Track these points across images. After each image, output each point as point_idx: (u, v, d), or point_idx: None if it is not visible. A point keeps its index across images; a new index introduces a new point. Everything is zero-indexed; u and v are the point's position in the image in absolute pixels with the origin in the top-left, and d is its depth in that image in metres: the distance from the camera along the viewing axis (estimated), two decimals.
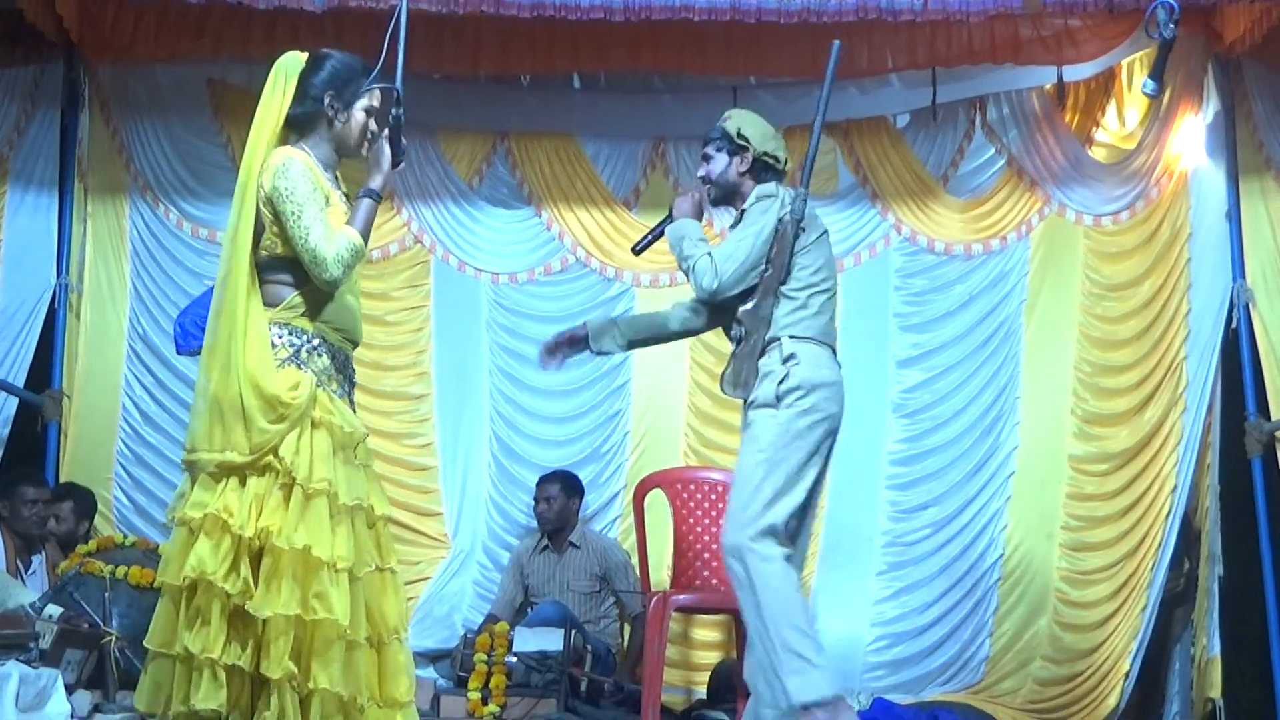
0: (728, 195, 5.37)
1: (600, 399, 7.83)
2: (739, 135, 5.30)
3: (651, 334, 5.67)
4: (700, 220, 5.37)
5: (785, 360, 5.01)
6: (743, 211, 5.28)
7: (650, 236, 5.54)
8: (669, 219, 5.39)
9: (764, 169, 5.31)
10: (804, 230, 5.16)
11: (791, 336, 5.06)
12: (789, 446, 4.95)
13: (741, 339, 5.12)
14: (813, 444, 4.98)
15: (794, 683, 4.79)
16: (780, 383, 4.98)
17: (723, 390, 5.17)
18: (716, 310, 5.30)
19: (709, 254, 5.13)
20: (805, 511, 5.06)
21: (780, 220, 5.12)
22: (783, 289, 5.11)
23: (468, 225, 7.91)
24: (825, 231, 5.31)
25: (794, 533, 5.00)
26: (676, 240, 5.29)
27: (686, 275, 5.21)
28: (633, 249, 5.69)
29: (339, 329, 4.27)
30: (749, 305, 5.11)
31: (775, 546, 4.88)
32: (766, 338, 5.09)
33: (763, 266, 5.10)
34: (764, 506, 4.89)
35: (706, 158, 5.38)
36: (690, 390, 7.78)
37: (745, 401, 5.11)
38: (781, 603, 4.87)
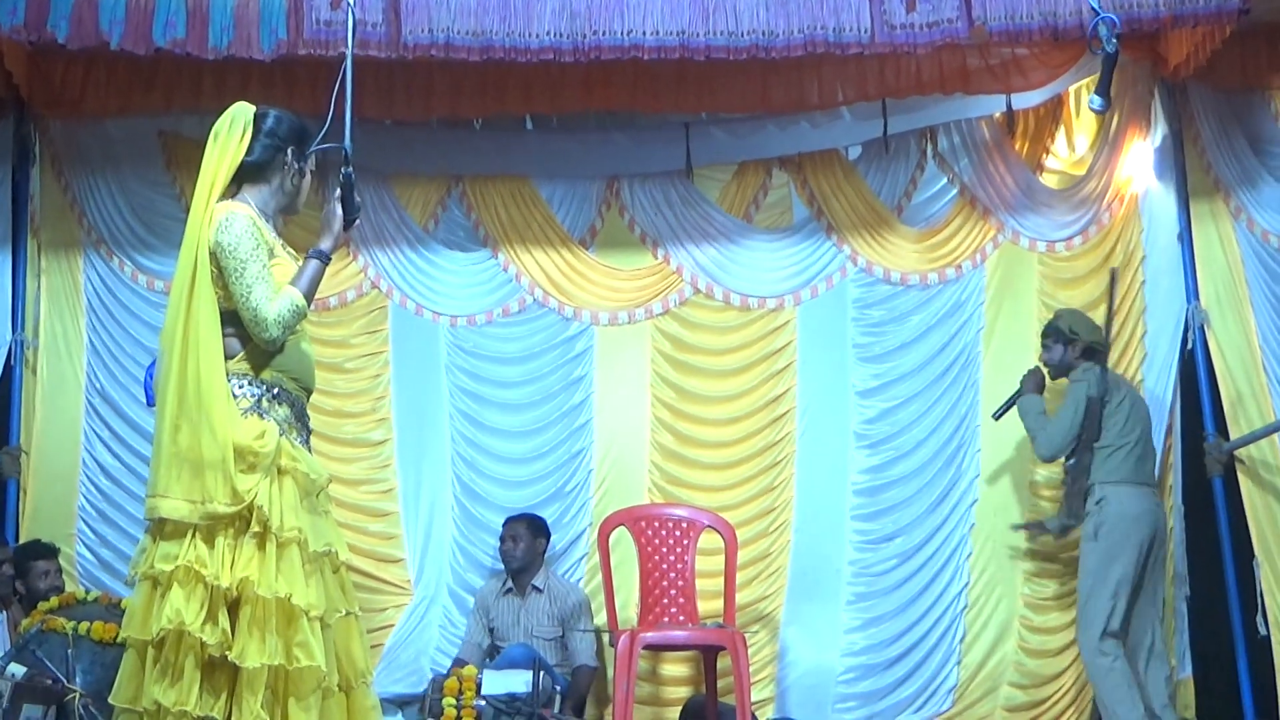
0: (1063, 373, 7.10)
1: (563, 438, 7.81)
2: (1070, 331, 7.03)
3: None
4: (1042, 395, 7.16)
5: (1097, 503, 6.82)
6: (1072, 384, 7.02)
7: (1007, 404, 7.23)
8: (1020, 391, 7.17)
9: (1088, 351, 7.04)
10: (1108, 400, 6.92)
11: (1102, 482, 6.84)
12: (1108, 569, 6.72)
13: (1071, 482, 6.96)
14: (1127, 563, 6.73)
15: None
16: (1095, 521, 6.81)
17: (1064, 520, 7.02)
18: None
19: (1044, 428, 6.97)
20: (1134, 601, 6.81)
21: (1089, 399, 6.87)
22: (1096, 445, 6.87)
23: (424, 269, 7.90)
24: (1130, 391, 7.10)
25: (1126, 619, 6.77)
26: (1025, 412, 7.10)
27: (1032, 438, 7.07)
28: (994, 415, 7.36)
29: (295, 377, 4.28)
30: (1071, 461, 6.97)
31: (1113, 646, 6.67)
32: (1087, 484, 6.88)
33: (1078, 432, 6.90)
34: (1103, 616, 6.69)
35: (1046, 347, 7.13)
36: (653, 427, 7.78)
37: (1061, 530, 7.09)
38: (1115, 689, 6.64)
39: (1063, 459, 7.04)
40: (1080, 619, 6.78)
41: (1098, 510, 6.80)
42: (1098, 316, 7.47)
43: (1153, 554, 6.82)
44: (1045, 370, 7.16)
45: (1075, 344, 7.01)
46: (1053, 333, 7.10)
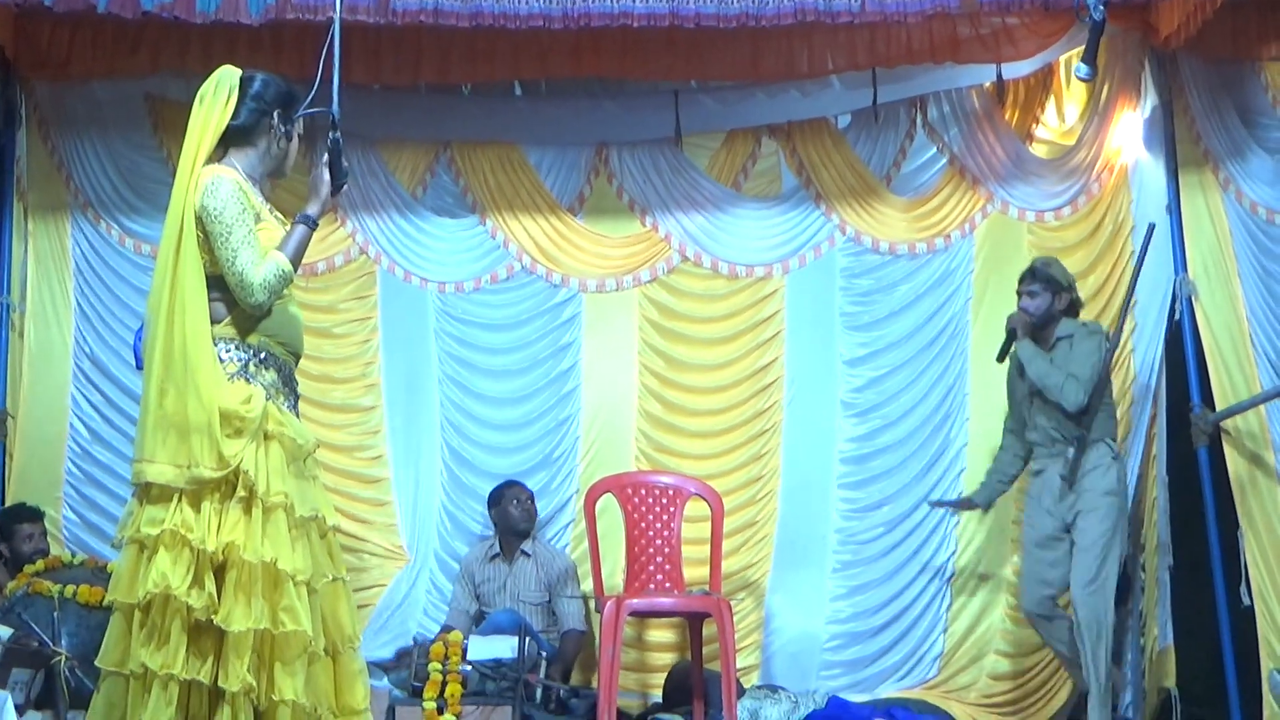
0: (1043, 324, 6.85)
1: (550, 405, 7.82)
2: (1066, 282, 6.87)
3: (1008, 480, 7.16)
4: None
5: (1115, 458, 6.77)
6: (1059, 339, 6.81)
7: (1006, 346, 6.94)
8: (1014, 333, 6.88)
9: (1073, 306, 6.90)
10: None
11: (1110, 438, 6.80)
12: (1122, 525, 6.74)
13: (1077, 441, 6.69)
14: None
15: None
16: (1115, 475, 6.72)
17: (1062, 476, 6.72)
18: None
19: (1073, 376, 6.67)
20: None
21: (1107, 352, 6.75)
22: (1103, 402, 6.76)
23: (413, 235, 7.89)
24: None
25: None
26: (1030, 358, 6.80)
27: (1047, 388, 6.72)
28: (998, 359, 7.03)
29: (282, 342, 4.29)
30: (1085, 415, 6.70)
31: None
32: (1092, 439, 6.70)
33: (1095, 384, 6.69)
34: (1112, 573, 6.63)
35: (1032, 294, 6.83)
36: (640, 395, 7.78)
37: (1071, 485, 6.72)
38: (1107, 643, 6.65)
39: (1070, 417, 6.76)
40: (1096, 576, 6.59)
41: (1115, 464, 6.75)
42: (1085, 289, 7.50)
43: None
44: (1027, 319, 6.86)
45: (1063, 295, 6.86)
46: (1044, 280, 6.87)
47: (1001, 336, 7.32)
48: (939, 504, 7.38)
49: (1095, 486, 6.67)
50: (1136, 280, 7.10)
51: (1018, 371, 6.93)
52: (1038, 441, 6.87)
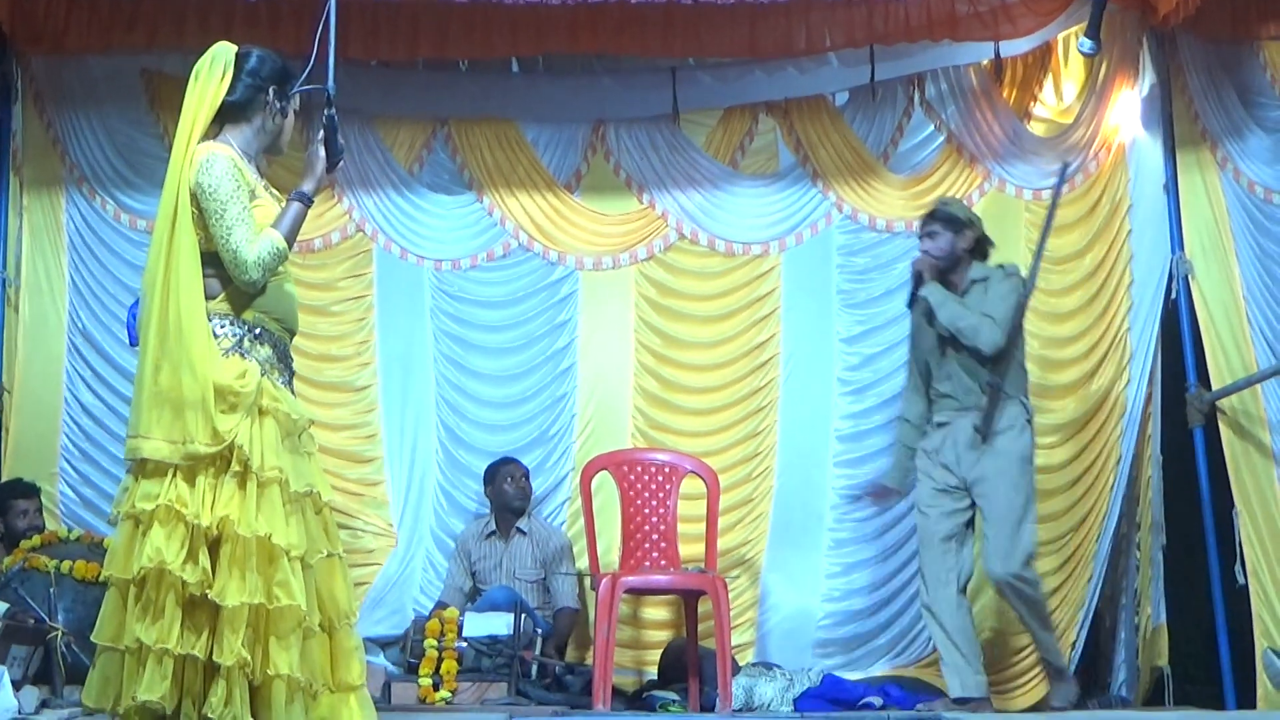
0: (950, 267, 6.53)
1: (546, 383, 7.82)
2: (967, 219, 6.55)
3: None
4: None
5: (1029, 421, 6.48)
6: (974, 281, 6.50)
7: (914, 293, 6.61)
8: (920, 278, 6.55)
9: (980, 246, 6.57)
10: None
11: (1025, 396, 6.52)
12: (1034, 498, 6.52)
13: (991, 388, 6.38)
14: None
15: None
16: (1028, 438, 6.46)
17: (975, 427, 6.40)
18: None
19: (989, 317, 6.35)
20: None
21: (1023, 296, 6.45)
22: (1018, 355, 6.47)
23: (409, 212, 7.88)
24: None
25: None
26: (941, 302, 6.45)
27: (960, 331, 6.39)
28: (908, 305, 6.73)
29: (277, 318, 4.28)
30: (1001, 364, 6.40)
31: (1033, 570, 6.49)
32: (1008, 393, 6.39)
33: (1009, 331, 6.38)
34: (1029, 539, 6.42)
35: (932, 235, 6.53)
36: (636, 372, 7.78)
37: (984, 437, 6.39)
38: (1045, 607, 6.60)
39: (980, 366, 6.45)
40: (1009, 540, 6.34)
41: (1029, 427, 6.50)
42: (1083, 267, 7.51)
43: None
44: (933, 260, 6.57)
45: (965, 233, 6.53)
46: (944, 218, 6.56)
47: None
48: (858, 498, 7.28)
49: (1008, 450, 6.39)
50: (1052, 215, 6.91)
51: (925, 319, 6.61)
52: (948, 393, 6.57)
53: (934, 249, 6.54)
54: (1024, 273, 6.67)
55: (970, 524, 6.53)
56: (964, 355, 6.45)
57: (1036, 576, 6.51)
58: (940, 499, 6.50)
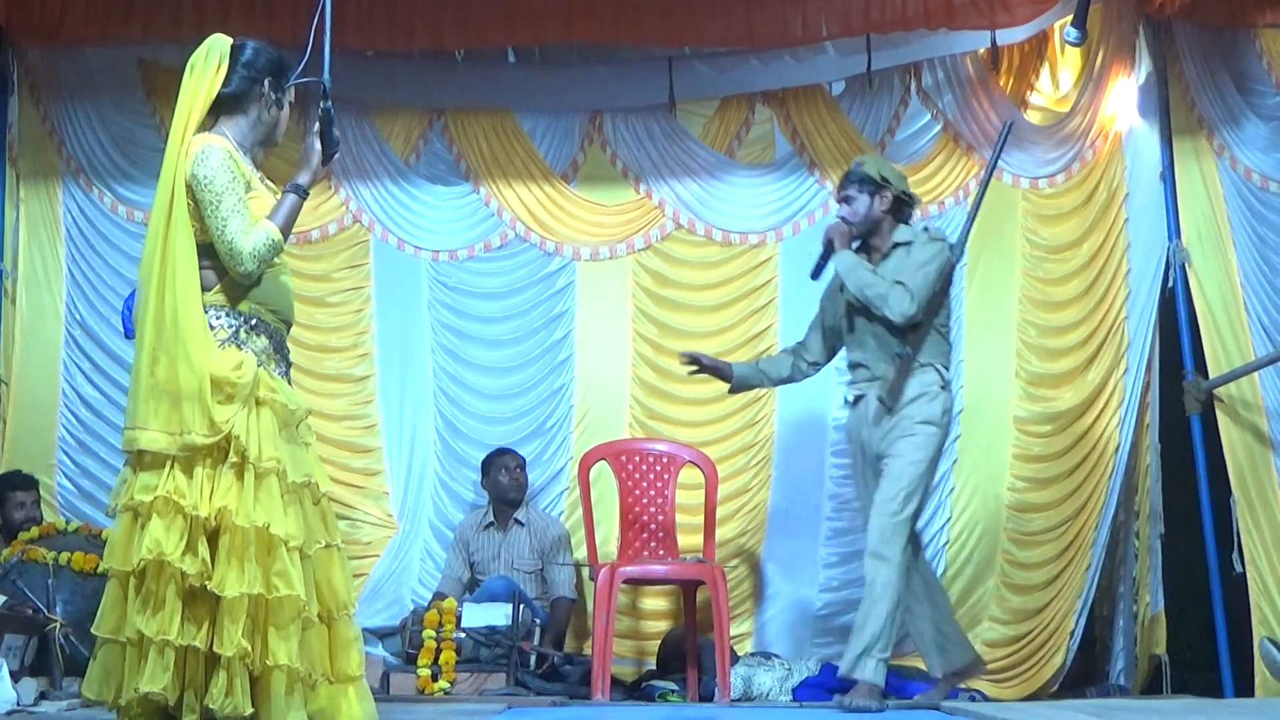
0: (870, 231, 6.15)
1: (544, 374, 7.81)
2: (881, 178, 6.08)
3: (771, 382, 6.69)
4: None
5: (944, 387, 6.00)
6: (896, 245, 6.08)
7: (822, 262, 6.26)
8: (830, 246, 6.17)
9: (902, 205, 6.14)
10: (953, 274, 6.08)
11: (945, 365, 6.05)
12: (937, 463, 6.07)
13: (898, 359, 5.97)
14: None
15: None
16: (941, 404, 5.96)
17: (880, 399, 5.98)
18: (829, 356, 6.48)
19: (900, 284, 5.92)
20: None
21: (948, 262, 6.02)
22: (936, 323, 6.01)
23: (406, 203, 7.88)
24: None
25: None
26: (850, 269, 6.07)
27: (869, 300, 5.99)
28: (812, 276, 6.39)
29: (273, 310, 4.30)
30: (913, 333, 5.97)
31: (905, 542, 5.86)
32: (921, 362, 5.96)
33: (930, 296, 5.95)
34: (914, 512, 5.89)
35: (848, 199, 6.13)
36: (634, 363, 7.78)
37: (890, 409, 5.96)
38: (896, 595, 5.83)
39: (891, 335, 6.04)
40: (891, 510, 5.82)
41: (943, 394, 5.98)
42: (1080, 256, 7.51)
43: None
44: (848, 226, 6.16)
45: (884, 193, 6.08)
46: (858, 179, 6.11)
47: (995, 303, 7.36)
48: (690, 354, 6.60)
49: (914, 414, 5.92)
50: (989, 178, 6.54)
51: (838, 287, 6.28)
52: (860, 363, 6.17)
53: (850, 213, 6.14)
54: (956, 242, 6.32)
55: None
56: (876, 325, 6.06)
57: (897, 557, 5.79)
58: (867, 487, 6.12)
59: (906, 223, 6.20)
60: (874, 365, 6.08)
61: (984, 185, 6.52)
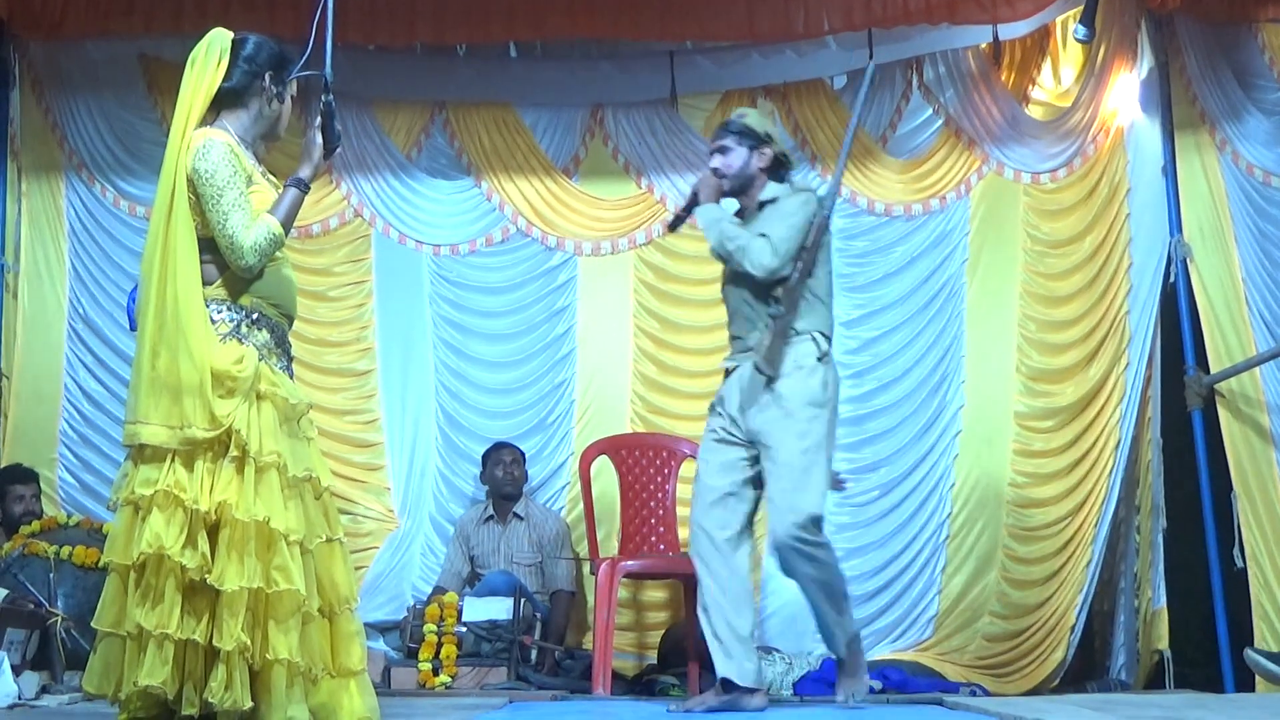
0: (742, 188, 5.59)
1: (545, 369, 7.82)
2: (765, 134, 5.57)
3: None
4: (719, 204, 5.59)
5: (820, 358, 5.39)
6: (764, 203, 5.55)
7: (683, 214, 5.78)
8: (695, 199, 5.66)
9: (779, 165, 5.60)
10: (825, 240, 5.51)
11: (823, 334, 5.44)
12: (830, 441, 5.40)
13: (772, 320, 5.41)
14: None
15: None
16: (821, 378, 5.37)
17: (756, 367, 5.36)
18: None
19: (763, 235, 5.38)
20: None
21: (818, 217, 5.46)
22: (810, 286, 5.44)
23: (407, 197, 7.89)
24: (829, 242, 5.63)
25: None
26: (713, 221, 5.53)
27: (730, 254, 5.45)
28: (669, 227, 5.96)
29: (275, 304, 4.29)
30: (787, 296, 5.40)
31: (822, 534, 5.35)
32: (797, 330, 5.39)
33: (797, 253, 5.40)
34: (816, 495, 5.30)
35: (724, 150, 5.59)
36: (635, 357, 7.78)
37: (769, 380, 5.37)
38: (839, 573, 5.46)
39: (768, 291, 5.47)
40: (792, 494, 5.28)
41: (821, 368, 5.39)
42: (1082, 250, 7.51)
43: None
44: (721, 180, 5.62)
45: (764, 149, 5.57)
46: (738, 130, 5.59)
47: (996, 297, 7.34)
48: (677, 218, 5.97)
49: (794, 393, 5.33)
50: (855, 125, 6.14)
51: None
52: (735, 334, 5.62)
53: (724, 165, 5.59)
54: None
55: (753, 482, 5.49)
56: (744, 288, 5.52)
57: (827, 541, 5.39)
58: (718, 450, 5.52)
59: (780, 183, 5.65)
60: (748, 335, 5.51)
61: (849, 136, 5.96)
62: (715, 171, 5.60)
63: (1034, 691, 7.12)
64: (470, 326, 7.84)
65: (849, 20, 7.50)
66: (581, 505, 7.26)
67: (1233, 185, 7.39)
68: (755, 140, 5.56)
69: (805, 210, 5.46)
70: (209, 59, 4.24)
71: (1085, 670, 7.39)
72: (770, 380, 5.36)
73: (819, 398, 5.36)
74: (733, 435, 5.50)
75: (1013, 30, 7.61)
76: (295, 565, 4.04)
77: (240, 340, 4.16)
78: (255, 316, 4.22)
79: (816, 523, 5.30)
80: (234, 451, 4.06)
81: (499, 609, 6.76)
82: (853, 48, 7.77)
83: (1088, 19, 6.72)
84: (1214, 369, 7.19)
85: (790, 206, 5.47)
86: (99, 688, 4.12)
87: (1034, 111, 7.76)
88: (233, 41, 4.29)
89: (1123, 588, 7.42)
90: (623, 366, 7.78)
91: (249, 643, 3.98)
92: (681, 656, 6.94)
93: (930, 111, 7.85)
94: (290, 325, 4.40)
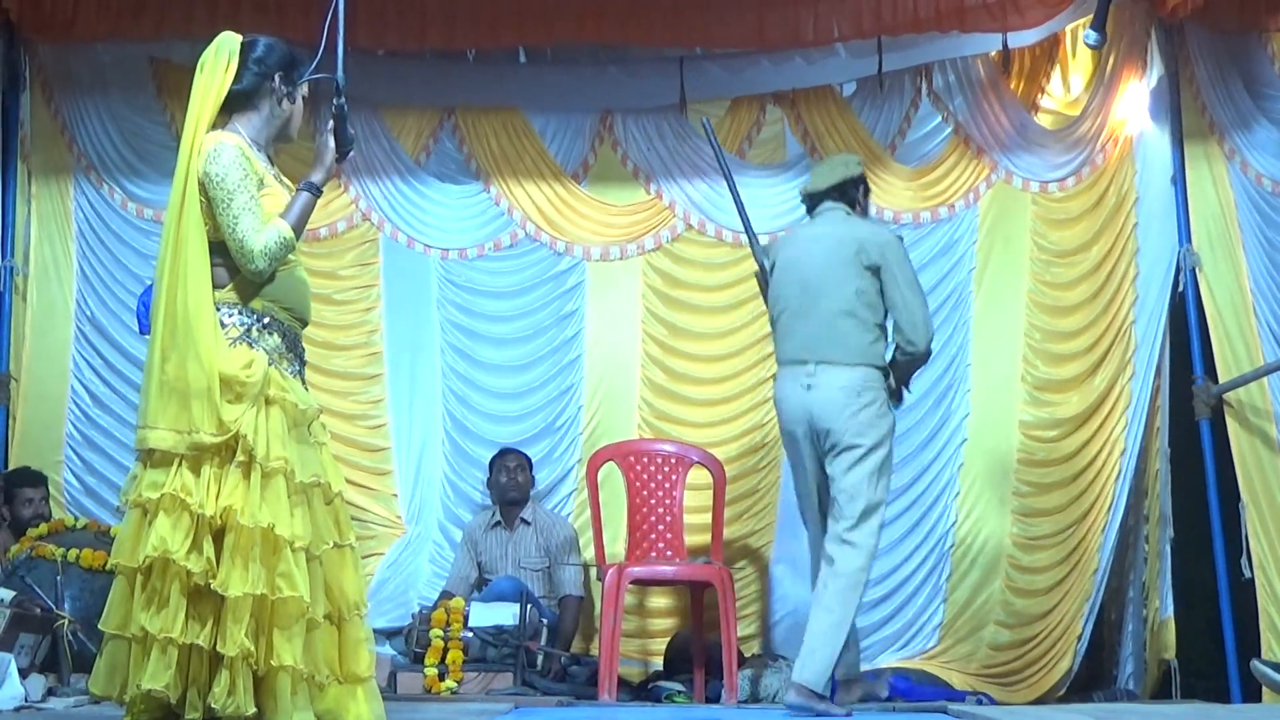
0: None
1: (553, 374, 7.82)
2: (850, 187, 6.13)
3: None
4: None
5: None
6: None
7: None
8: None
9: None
10: (773, 268, 6.16)
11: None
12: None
13: None
14: (793, 458, 6.09)
15: None
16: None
17: None
18: None
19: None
20: (806, 499, 6.13)
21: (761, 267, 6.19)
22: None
23: (416, 201, 7.88)
24: (778, 258, 6.20)
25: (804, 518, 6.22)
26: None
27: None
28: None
29: (288, 308, 4.28)
30: None
31: None
32: None
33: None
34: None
35: None
36: (643, 363, 7.78)
37: None
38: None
39: None
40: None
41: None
42: (1089, 260, 7.50)
43: (802, 452, 6.00)
44: None
45: (862, 202, 6.34)
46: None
47: (1002, 307, 7.37)
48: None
49: None
50: (732, 185, 6.62)
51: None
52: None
53: None
54: None
55: None
56: None
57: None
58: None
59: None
60: None
61: (731, 186, 6.63)
62: None
63: (1041, 700, 7.12)
64: (478, 331, 7.84)
65: (858, 28, 7.49)
66: (589, 511, 7.25)
67: (1241, 195, 7.39)
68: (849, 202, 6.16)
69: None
70: (218, 62, 4.24)
71: (1092, 679, 7.39)
72: None
73: None
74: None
75: (1022, 38, 7.60)
76: (300, 572, 4.03)
77: (250, 345, 4.15)
78: (266, 321, 4.21)
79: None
80: (241, 457, 4.04)
81: (505, 614, 6.75)
82: (862, 55, 7.77)
83: (1099, 24, 6.71)
84: (1222, 379, 7.19)
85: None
86: (105, 690, 4.11)
87: (1043, 120, 7.75)
88: (242, 44, 4.29)
89: (1130, 597, 7.42)
90: (631, 372, 7.78)
91: (253, 648, 3.97)
92: (687, 663, 6.95)
93: (939, 119, 7.84)
94: (303, 329, 4.38)
